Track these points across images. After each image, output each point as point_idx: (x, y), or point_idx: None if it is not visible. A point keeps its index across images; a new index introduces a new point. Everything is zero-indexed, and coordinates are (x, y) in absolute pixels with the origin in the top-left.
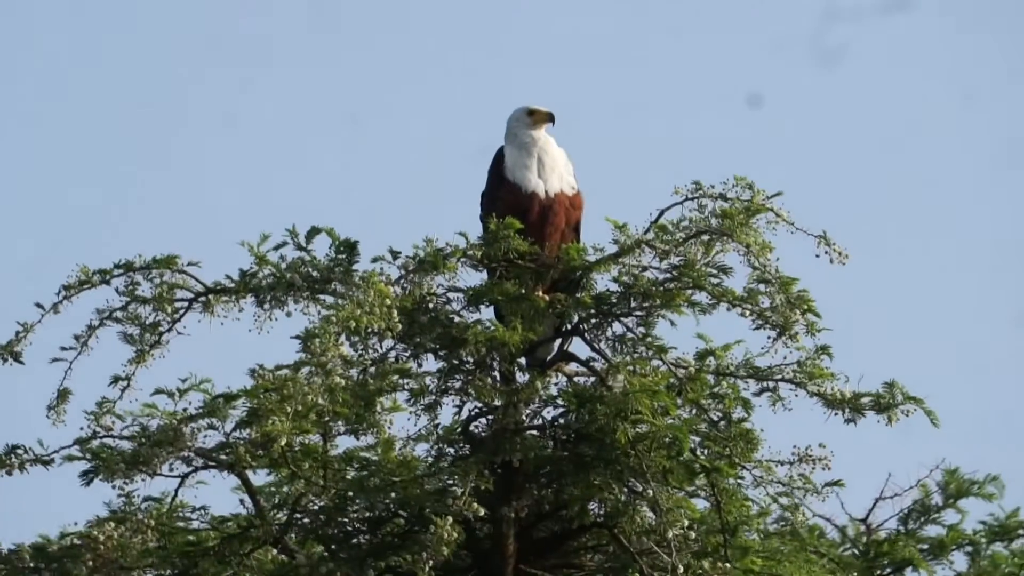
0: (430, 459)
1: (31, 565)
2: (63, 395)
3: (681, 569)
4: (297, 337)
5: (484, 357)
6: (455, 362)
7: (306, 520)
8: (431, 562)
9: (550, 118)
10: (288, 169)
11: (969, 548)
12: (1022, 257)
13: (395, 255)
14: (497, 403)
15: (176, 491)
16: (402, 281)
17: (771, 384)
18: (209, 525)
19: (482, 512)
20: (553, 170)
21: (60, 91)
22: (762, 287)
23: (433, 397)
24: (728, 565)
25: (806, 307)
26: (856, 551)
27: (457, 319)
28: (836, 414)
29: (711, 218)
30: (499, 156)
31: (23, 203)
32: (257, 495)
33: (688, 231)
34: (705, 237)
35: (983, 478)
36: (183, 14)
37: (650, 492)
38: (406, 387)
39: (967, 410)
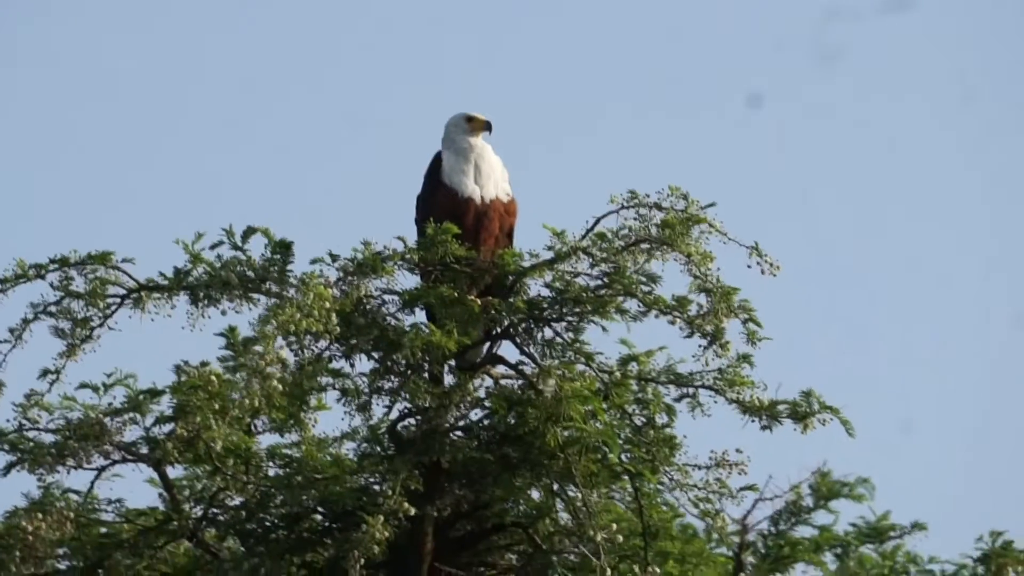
0: (354, 458)
1: None
2: None
3: (608, 571)
4: (223, 335)
5: (418, 360)
6: (389, 364)
7: (223, 516)
8: (362, 560)
9: (487, 126)
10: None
11: (839, 550)
12: (1021, 257)
13: (334, 257)
14: (429, 405)
15: (92, 483)
16: (340, 283)
17: (691, 390)
18: (124, 518)
19: (412, 511)
20: (489, 176)
21: (59, 86)
22: (703, 297)
23: (366, 397)
24: (657, 570)
25: (747, 316)
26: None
27: (394, 322)
28: (753, 420)
29: (651, 227)
30: (436, 160)
31: None
32: (173, 489)
33: (627, 239)
34: (645, 246)
35: (854, 480)
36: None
37: (578, 495)
38: (336, 387)
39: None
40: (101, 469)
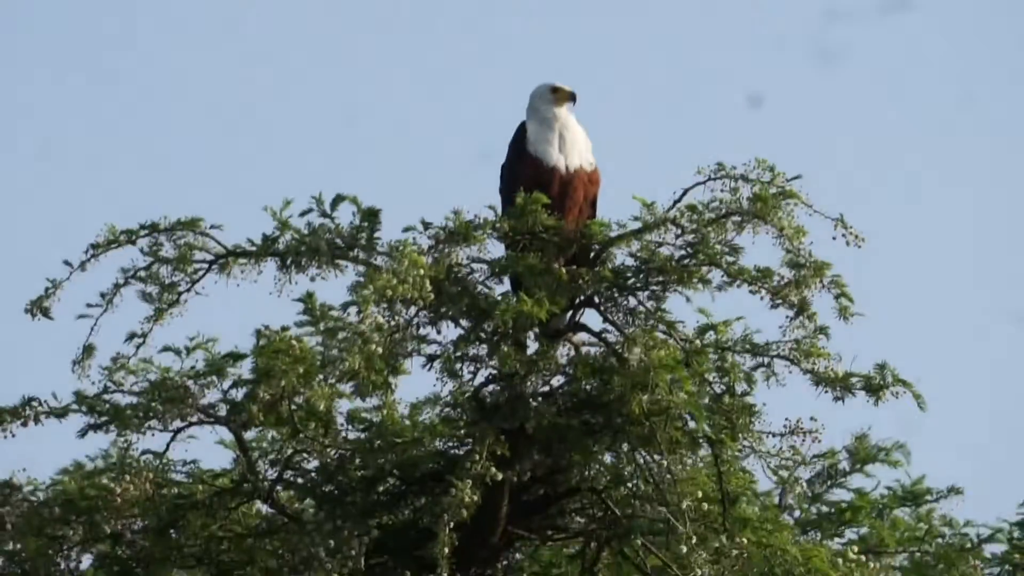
0: (436, 422)
1: (60, 516)
2: (88, 351)
3: (695, 539)
4: (301, 300)
5: (507, 328)
6: (480, 332)
7: (299, 479)
8: (451, 524)
9: (572, 97)
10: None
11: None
12: (1022, 257)
13: (426, 225)
14: (516, 371)
15: (168, 445)
16: (432, 251)
17: (767, 360)
18: (200, 479)
19: (500, 476)
20: (574, 146)
21: (94, 74)
22: (786, 268)
23: (459, 364)
24: (744, 540)
25: (840, 291)
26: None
27: (486, 291)
28: (826, 391)
29: (742, 200)
30: (521, 130)
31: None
32: (249, 451)
33: (718, 211)
34: (736, 218)
35: (891, 444)
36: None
37: (657, 461)
38: (422, 353)
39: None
40: (177, 431)
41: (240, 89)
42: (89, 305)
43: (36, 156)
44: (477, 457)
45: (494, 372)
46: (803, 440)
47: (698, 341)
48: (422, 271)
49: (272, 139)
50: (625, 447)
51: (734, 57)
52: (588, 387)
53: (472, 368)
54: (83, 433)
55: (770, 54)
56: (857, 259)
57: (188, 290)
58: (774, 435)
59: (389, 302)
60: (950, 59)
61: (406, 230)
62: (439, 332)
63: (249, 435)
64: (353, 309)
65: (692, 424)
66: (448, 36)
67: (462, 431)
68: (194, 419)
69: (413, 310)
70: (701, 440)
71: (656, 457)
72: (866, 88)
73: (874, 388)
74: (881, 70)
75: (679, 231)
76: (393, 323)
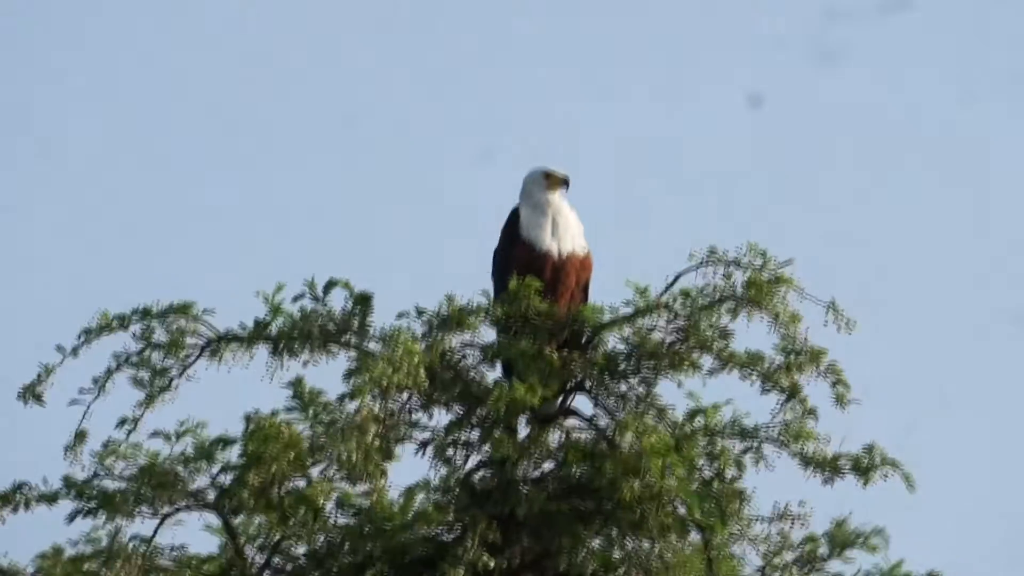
0: (427, 508)
1: None
2: (80, 436)
3: None
4: (290, 385)
5: (500, 413)
6: (473, 417)
7: (288, 565)
8: None
9: (565, 182)
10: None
11: None
12: (1022, 257)
13: (420, 312)
14: (509, 456)
15: (155, 530)
16: (426, 338)
17: (755, 443)
18: (187, 565)
19: (492, 563)
20: (567, 231)
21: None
22: (788, 356)
23: (451, 450)
24: None
25: (836, 378)
26: None
27: (478, 377)
28: (815, 474)
29: (736, 286)
30: (514, 215)
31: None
32: (237, 536)
33: (712, 297)
34: (730, 304)
35: (869, 530)
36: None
37: (646, 546)
38: (414, 439)
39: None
40: (165, 516)
41: (240, 89)
42: (82, 391)
43: None
44: (469, 544)
45: (485, 458)
46: (791, 525)
47: (688, 427)
48: (416, 359)
49: (272, 139)
50: (615, 532)
51: (734, 57)
52: (579, 472)
53: (464, 454)
54: (71, 518)
55: (770, 54)
56: (857, 259)
57: (180, 375)
58: (762, 520)
59: (384, 390)
60: (950, 59)
61: (400, 316)
62: (430, 418)
63: (236, 520)
64: (348, 399)
65: (682, 510)
66: (448, 36)
67: (452, 517)
68: (182, 504)
69: (406, 395)
70: (690, 525)
71: (646, 544)
72: (866, 88)
73: (863, 469)
74: (881, 70)
75: (671, 316)
76: (387, 411)
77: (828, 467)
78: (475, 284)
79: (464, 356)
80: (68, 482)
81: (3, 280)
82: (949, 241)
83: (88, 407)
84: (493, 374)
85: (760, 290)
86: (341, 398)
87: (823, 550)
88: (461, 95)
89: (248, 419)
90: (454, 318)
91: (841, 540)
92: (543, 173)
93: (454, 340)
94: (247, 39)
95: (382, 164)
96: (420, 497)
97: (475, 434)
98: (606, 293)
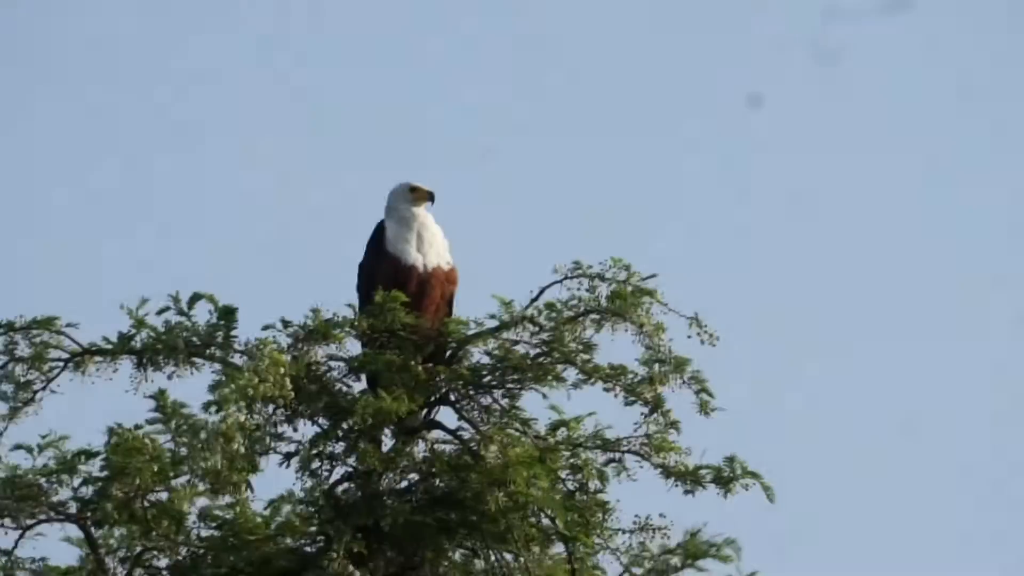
0: (292, 519)
1: None
2: None
3: None
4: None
5: (366, 425)
6: (338, 429)
7: None
8: None
9: (430, 197)
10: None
11: None
12: (1021, 257)
13: (286, 324)
14: (374, 468)
15: (16, 542)
16: (292, 350)
17: (618, 455)
18: None
19: (356, 575)
20: (432, 245)
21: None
22: (650, 368)
23: (318, 462)
24: None
25: (700, 387)
26: None
27: (344, 389)
28: (677, 485)
29: (601, 298)
30: (379, 229)
31: None
32: (98, 548)
33: (576, 309)
34: (595, 316)
35: (721, 540)
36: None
37: (508, 557)
38: (280, 451)
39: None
40: (26, 528)
41: (240, 89)
42: None
43: None
44: (334, 555)
45: (351, 470)
46: (652, 537)
47: (551, 438)
48: (283, 370)
49: (269, 139)
50: (478, 544)
51: (734, 57)
52: (443, 484)
53: (328, 466)
54: None
55: (770, 54)
56: (856, 259)
57: (43, 388)
58: (624, 531)
59: (250, 401)
60: (950, 59)
61: (265, 328)
62: (295, 430)
63: (97, 532)
64: (214, 409)
65: (546, 521)
66: (448, 36)
67: (316, 528)
68: (44, 516)
69: (271, 408)
70: (554, 536)
71: (508, 556)
72: (866, 88)
73: (724, 480)
74: (881, 70)
75: (536, 329)
76: (253, 422)
77: (689, 478)
78: (341, 297)
79: (330, 368)
80: None
81: None
82: (949, 241)
83: None
84: (359, 386)
85: (625, 301)
86: (207, 407)
87: (675, 560)
88: (461, 94)
89: (111, 431)
90: (319, 330)
91: (693, 551)
92: (408, 187)
93: (320, 352)
94: (247, 38)
95: (382, 163)
96: (285, 509)
97: (340, 446)
98: (472, 308)
